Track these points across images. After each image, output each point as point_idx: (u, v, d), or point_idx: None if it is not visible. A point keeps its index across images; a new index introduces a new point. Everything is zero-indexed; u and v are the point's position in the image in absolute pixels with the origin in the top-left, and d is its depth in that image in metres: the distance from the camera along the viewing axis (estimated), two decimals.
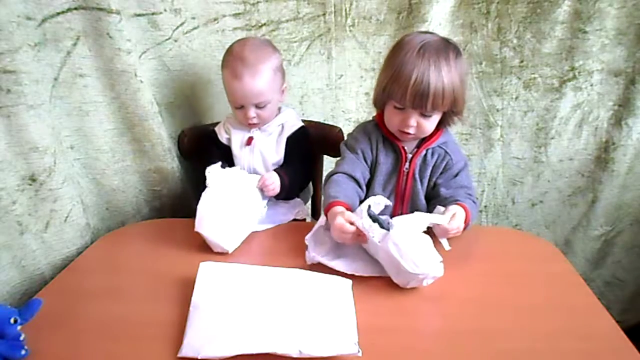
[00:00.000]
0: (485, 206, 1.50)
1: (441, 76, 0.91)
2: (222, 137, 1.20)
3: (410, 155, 1.03)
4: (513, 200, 1.49)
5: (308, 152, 1.23)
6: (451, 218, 0.90)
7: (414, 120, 0.96)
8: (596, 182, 1.41)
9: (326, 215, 0.95)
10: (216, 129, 1.22)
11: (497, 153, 1.43)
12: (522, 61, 1.32)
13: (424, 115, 0.96)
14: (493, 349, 0.71)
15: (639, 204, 1.42)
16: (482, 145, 1.43)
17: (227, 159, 1.17)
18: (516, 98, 1.37)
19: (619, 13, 1.24)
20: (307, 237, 0.95)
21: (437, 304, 0.82)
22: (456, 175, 1.03)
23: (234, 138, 1.18)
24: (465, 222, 0.92)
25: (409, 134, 0.98)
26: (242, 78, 1.06)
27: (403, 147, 1.03)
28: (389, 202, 0.92)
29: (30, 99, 0.93)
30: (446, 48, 0.94)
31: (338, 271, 0.87)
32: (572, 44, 1.28)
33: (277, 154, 1.18)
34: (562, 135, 1.39)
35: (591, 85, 1.32)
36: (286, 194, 1.13)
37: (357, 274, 0.86)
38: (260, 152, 1.17)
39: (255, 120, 1.13)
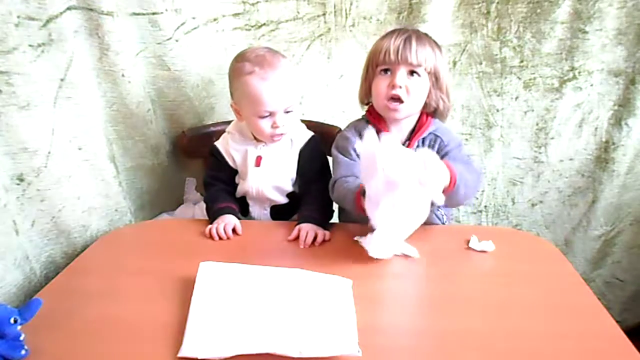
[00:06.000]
0: (485, 206, 1.50)
1: (420, 36, 0.99)
2: (227, 157, 1.14)
3: None
4: (513, 200, 1.49)
5: (326, 165, 1.16)
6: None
7: (401, 78, 0.96)
8: (596, 182, 1.41)
9: (358, 199, 0.92)
10: (219, 147, 1.15)
11: (497, 153, 1.43)
12: (522, 61, 1.32)
13: (411, 73, 0.97)
14: (493, 349, 0.71)
15: (639, 204, 1.42)
16: (482, 145, 1.43)
17: (232, 179, 1.15)
18: (516, 98, 1.36)
19: (619, 13, 1.24)
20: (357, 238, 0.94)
21: (437, 304, 0.82)
22: (447, 154, 1.01)
23: (238, 156, 1.13)
24: (451, 179, 0.87)
25: (399, 100, 0.97)
26: (272, 80, 1.01)
27: None
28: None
29: (23, 99, 0.93)
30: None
31: (338, 271, 0.86)
32: (572, 44, 1.28)
33: (288, 171, 1.12)
34: (562, 135, 1.39)
35: (591, 85, 1.32)
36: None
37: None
38: (270, 173, 1.11)
39: (283, 130, 1.05)
